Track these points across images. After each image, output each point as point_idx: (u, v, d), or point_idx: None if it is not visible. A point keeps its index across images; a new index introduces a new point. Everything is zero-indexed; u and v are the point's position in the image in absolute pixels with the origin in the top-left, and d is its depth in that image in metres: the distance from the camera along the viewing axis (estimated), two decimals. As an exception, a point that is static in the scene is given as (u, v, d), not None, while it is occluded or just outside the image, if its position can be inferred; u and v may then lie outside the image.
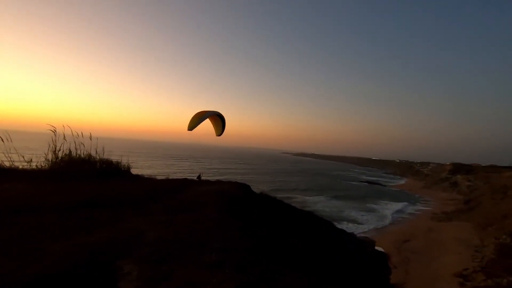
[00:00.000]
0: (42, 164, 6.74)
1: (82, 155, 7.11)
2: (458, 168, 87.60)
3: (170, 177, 8.67)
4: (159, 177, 8.48)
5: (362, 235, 25.04)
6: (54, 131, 6.88)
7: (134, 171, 8.52)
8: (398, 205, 52.53)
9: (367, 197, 60.59)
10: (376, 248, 7.49)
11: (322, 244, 4.51)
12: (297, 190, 62.56)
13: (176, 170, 73.02)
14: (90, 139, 7.57)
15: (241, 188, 6.67)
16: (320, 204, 48.57)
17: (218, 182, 7.66)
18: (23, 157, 6.59)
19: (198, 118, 8.14)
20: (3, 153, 6.45)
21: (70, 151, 7.01)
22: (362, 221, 38.03)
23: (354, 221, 37.74)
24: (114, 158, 7.90)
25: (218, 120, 9.04)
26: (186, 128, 8.18)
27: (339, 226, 9.33)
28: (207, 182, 7.61)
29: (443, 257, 24.39)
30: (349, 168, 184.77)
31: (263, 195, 7.11)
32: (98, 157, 7.33)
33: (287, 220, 5.37)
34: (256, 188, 9.13)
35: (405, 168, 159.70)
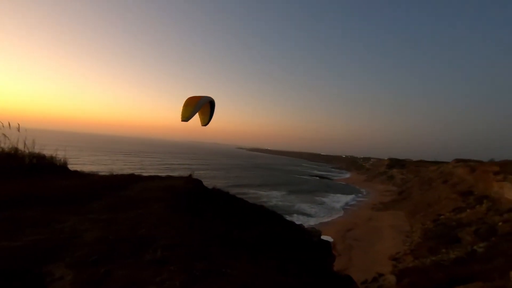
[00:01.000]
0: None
1: (6, 149, 6.21)
2: (394, 163, 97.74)
3: (115, 173, 8.07)
4: (102, 174, 7.85)
5: (311, 226, 26.55)
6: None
7: (73, 167, 7.73)
8: (344, 198, 56.78)
9: (317, 190, 64.20)
10: (322, 237, 7.99)
11: (270, 236, 4.65)
12: (251, 185, 63.47)
13: (123, 166, 68.37)
14: (18, 130, 6.65)
15: (192, 183, 6.52)
16: (273, 198, 50.04)
17: (168, 177, 7.37)
18: None
19: (193, 106, 6.82)
20: None
21: (-9, 144, 6.08)
22: (311, 213, 40.26)
23: (304, 213, 39.76)
24: (48, 152, 7.07)
25: (208, 107, 7.85)
26: (178, 119, 6.49)
27: (289, 218, 9.68)
28: (156, 177, 7.26)
29: (380, 243, 27.10)
30: (301, 163, 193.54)
31: (215, 190, 7.05)
32: (27, 151, 6.49)
33: (238, 214, 5.41)
34: (210, 183, 9.02)
35: (350, 162, 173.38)
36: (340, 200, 53.56)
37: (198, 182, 6.91)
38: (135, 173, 7.87)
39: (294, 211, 40.41)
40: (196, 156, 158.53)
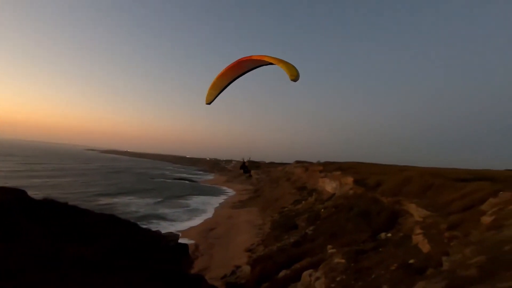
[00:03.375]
0: None
1: None
2: (251, 164, 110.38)
3: None
4: None
5: (172, 230, 25.85)
6: None
7: None
8: (208, 199, 58.80)
9: (180, 193, 63.31)
10: (182, 240, 7.95)
11: (120, 247, 4.19)
12: (107, 193, 55.20)
13: None
14: None
15: (10, 195, 4.98)
16: (134, 205, 45.62)
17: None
18: None
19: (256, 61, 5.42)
20: None
21: None
22: (174, 218, 39.29)
23: (166, 218, 38.31)
24: None
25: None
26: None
27: (148, 225, 9.13)
28: None
29: (238, 237, 29.70)
30: (165, 167, 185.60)
31: (48, 201, 5.68)
32: None
33: (79, 228, 4.58)
34: (46, 194, 7.23)
35: (213, 165, 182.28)
36: (204, 201, 55.03)
37: (20, 193, 5.34)
38: None
39: (155, 217, 38.28)
40: (33, 159, 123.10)
